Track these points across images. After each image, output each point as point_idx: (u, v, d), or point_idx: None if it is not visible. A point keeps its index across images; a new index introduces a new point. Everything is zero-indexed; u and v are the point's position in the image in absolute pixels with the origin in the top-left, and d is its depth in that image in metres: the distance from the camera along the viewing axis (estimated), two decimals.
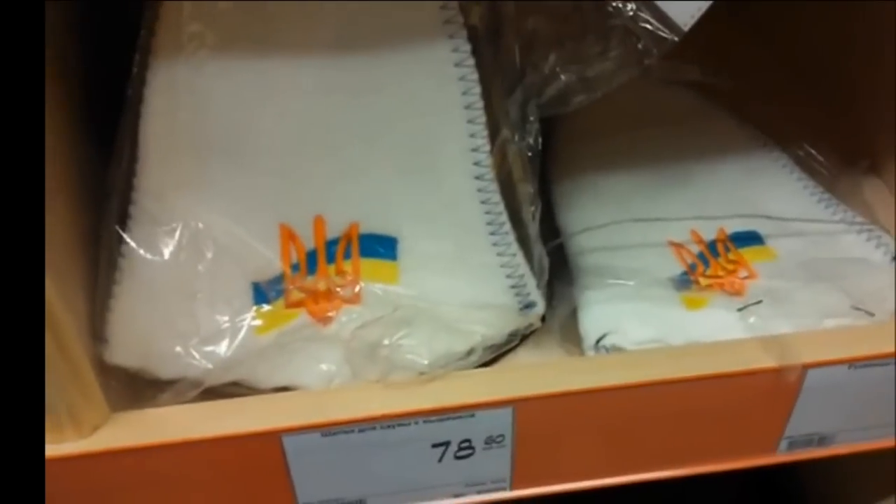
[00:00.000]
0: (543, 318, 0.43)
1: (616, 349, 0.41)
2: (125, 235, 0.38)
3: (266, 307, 0.39)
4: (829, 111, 0.57)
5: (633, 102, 0.53)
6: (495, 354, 0.41)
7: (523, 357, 0.42)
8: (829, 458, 0.43)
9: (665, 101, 0.55)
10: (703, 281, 0.44)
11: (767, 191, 0.50)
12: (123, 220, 0.38)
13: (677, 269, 0.45)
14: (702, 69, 0.55)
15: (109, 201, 0.38)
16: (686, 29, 0.38)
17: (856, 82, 0.55)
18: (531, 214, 0.42)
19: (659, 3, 0.37)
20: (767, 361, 0.38)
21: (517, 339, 0.42)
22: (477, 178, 0.40)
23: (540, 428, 0.39)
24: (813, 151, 0.51)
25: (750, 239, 0.47)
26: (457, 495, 0.40)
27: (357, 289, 0.40)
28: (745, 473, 0.43)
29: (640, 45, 0.38)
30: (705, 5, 0.37)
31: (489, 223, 0.41)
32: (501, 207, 0.41)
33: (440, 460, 0.38)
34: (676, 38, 0.38)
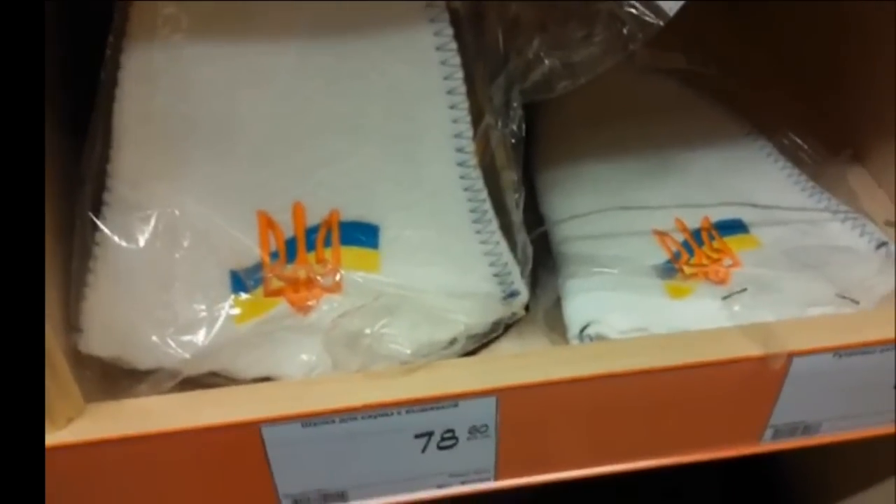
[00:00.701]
0: (527, 307, 0.42)
1: (600, 338, 0.41)
2: (99, 222, 0.37)
3: (244, 296, 0.39)
4: (813, 100, 0.57)
5: (618, 90, 0.53)
6: (479, 344, 0.41)
7: (507, 346, 0.42)
8: (813, 447, 0.43)
9: (649, 90, 0.54)
10: (687, 269, 0.44)
11: (752, 179, 0.49)
12: (97, 206, 0.37)
13: (662, 257, 0.45)
14: (687, 57, 0.55)
15: (83, 188, 0.37)
16: (672, 13, 0.37)
17: (840, 71, 0.55)
18: (515, 202, 0.41)
19: None
20: (752, 350, 0.38)
21: (501, 328, 0.42)
22: (459, 164, 0.40)
23: (524, 418, 0.38)
24: (797, 140, 0.51)
25: (734, 227, 0.47)
26: (441, 486, 0.40)
27: (338, 277, 0.39)
28: (732, 462, 0.43)
29: (625, 30, 0.38)
30: None
31: (472, 210, 0.40)
32: (484, 195, 0.40)
33: (423, 451, 0.38)
34: (662, 23, 0.37)
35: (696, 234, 0.46)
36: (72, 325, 0.37)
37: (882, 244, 0.45)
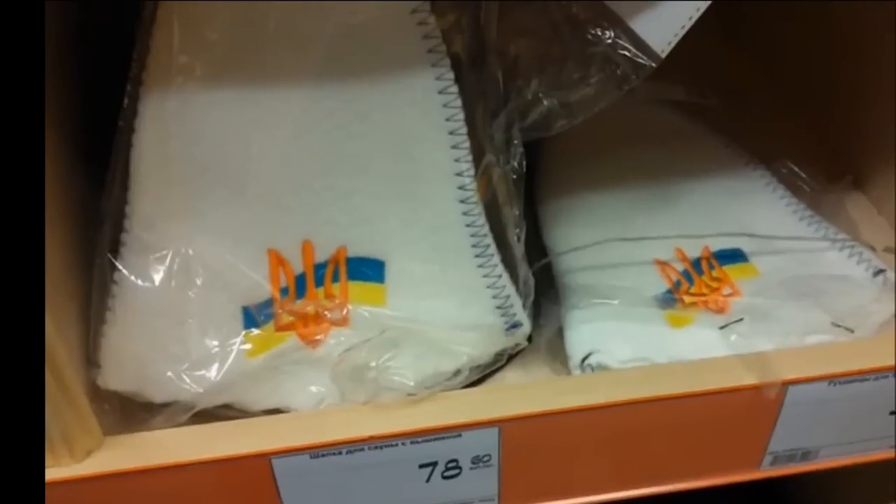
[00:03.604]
0: (530, 338, 0.44)
1: (601, 367, 0.42)
2: (117, 263, 0.38)
3: (256, 331, 0.40)
4: (813, 127, 0.58)
5: (619, 123, 0.54)
6: (482, 374, 0.42)
7: (510, 376, 0.43)
8: (814, 472, 0.44)
9: (650, 121, 0.55)
10: (687, 299, 0.45)
11: (751, 209, 0.50)
12: (116, 247, 0.39)
13: (662, 287, 0.46)
14: (686, 89, 0.56)
15: (102, 229, 0.39)
16: (663, 56, 0.39)
17: (840, 98, 0.56)
18: (516, 236, 0.42)
19: (636, 30, 0.38)
20: (748, 379, 0.39)
21: (504, 359, 0.43)
22: (462, 201, 0.41)
23: (526, 447, 0.39)
24: (796, 169, 0.52)
25: (734, 257, 0.47)
26: None
27: (345, 311, 0.41)
28: (736, 488, 0.44)
29: (619, 72, 0.39)
30: (681, 32, 0.38)
31: (474, 245, 0.41)
32: (486, 230, 0.41)
33: (428, 480, 0.39)
34: (654, 65, 0.39)
35: (697, 264, 0.47)
36: (91, 362, 0.39)
37: (880, 272, 0.45)
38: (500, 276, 0.42)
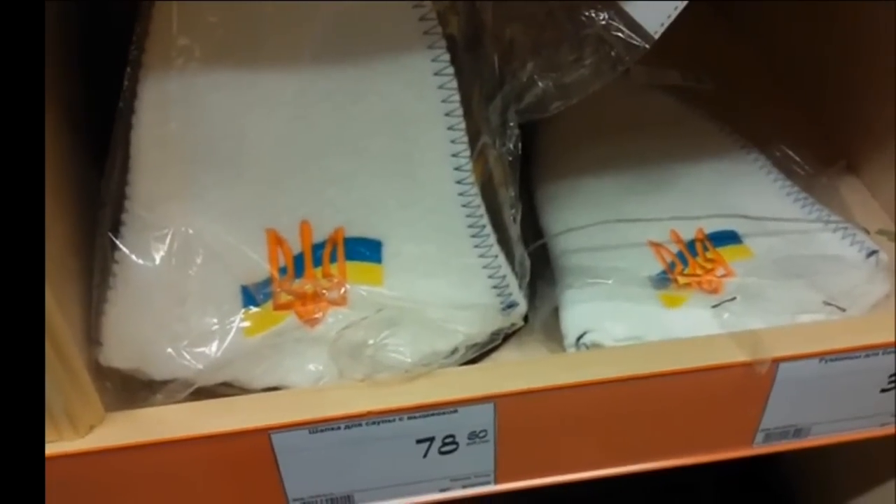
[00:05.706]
0: (526, 318, 0.44)
1: (596, 346, 0.42)
2: (118, 242, 0.39)
3: (255, 309, 0.40)
4: (807, 112, 0.58)
5: (615, 106, 0.54)
6: (479, 353, 0.42)
7: (506, 355, 0.43)
8: (810, 449, 0.44)
9: (645, 105, 0.56)
10: (681, 279, 0.45)
11: (745, 191, 0.51)
12: (116, 227, 0.39)
13: (657, 268, 0.46)
14: (682, 74, 0.57)
15: (103, 209, 0.39)
16: (656, 37, 0.39)
17: (833, 83, 0.56)
18: (512, 217, 0.43)
19: (629, 11, 0.39)
20: (739, 356, 0.40)
21: (500, 338, 0.43)
22: (458, 182, 0.41)
23: (521, 423, 0.40)
24: (790, 152, 0.52)
25: (728, 238, 0.48)
26: (442, 490, 0.41)
27: (343, 291, 0.41)
28: (729, 465, 0.44)
29: (612, 53, 0.40)
30: (674, 13, 0.38)
31: (471, 226, 0.42)
32: (482, 211, 0.42)
33: (425, 455, 0.39)
34: (647, 46, 0.39)
35: (691, 245, 0.47)
36: (93, 339, 0.39)
37: (872, 252, 0.46)
38: (496, 256, 0.42)
